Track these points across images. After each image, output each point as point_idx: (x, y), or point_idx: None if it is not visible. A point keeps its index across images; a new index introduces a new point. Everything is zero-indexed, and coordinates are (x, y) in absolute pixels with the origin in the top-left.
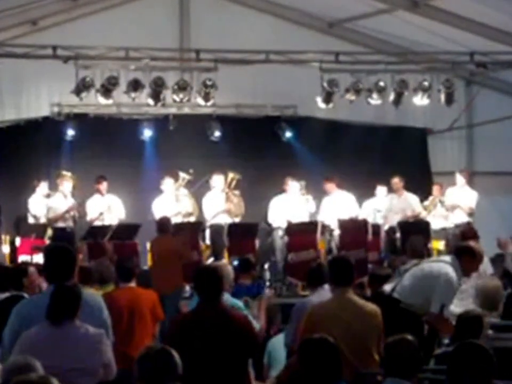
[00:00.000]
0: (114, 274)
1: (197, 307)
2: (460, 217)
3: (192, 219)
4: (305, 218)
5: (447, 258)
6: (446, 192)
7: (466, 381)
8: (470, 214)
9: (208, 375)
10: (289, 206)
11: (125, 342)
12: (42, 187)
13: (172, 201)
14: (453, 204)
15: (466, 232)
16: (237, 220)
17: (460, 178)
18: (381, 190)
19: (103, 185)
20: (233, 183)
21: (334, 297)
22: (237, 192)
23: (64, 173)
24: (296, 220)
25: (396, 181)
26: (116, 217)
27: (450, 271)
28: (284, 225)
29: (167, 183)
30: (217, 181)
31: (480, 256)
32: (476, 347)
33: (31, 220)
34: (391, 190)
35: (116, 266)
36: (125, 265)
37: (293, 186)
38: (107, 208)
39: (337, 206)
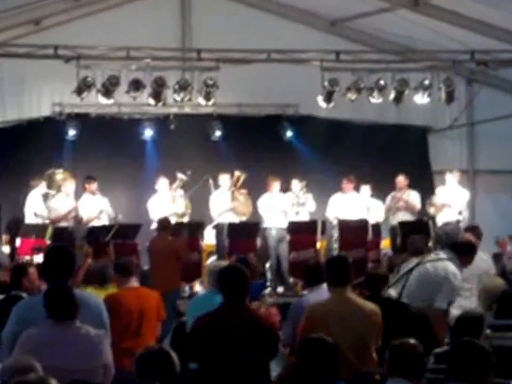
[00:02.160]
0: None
1: (221, 307)
2: (449, 216)
3: (184, 220)
4: (292, 216)
5: (443, 254)
6: (436, 191)
7: (465, 379)
8: (459, 213)
9: (231, 374)
10: (275, 205)
11: (133, 342)
12: (41, 186)
13: (167, 201)
14: (443, 203)
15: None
16: (244, 218)
17: (450, 178)
18: (364, 189)
19: (95, 185)
20: (240, 181)
21: (333, 297)
22: (243, 191)
23: (56, 171)
24: (284, 218)
25: (401, 179)
26: (107, 218)
27: (455, 269)
28: (275, 224)
29: (161, 183)
30: (224, 180)
31: (476, 248)
32: (474, 346)
33: (29, 219)
34: (377, 189)
35: (113, 266)
36: (121, 264)
37: (276, 185)
38: (102, 209)
39: (347, 206)
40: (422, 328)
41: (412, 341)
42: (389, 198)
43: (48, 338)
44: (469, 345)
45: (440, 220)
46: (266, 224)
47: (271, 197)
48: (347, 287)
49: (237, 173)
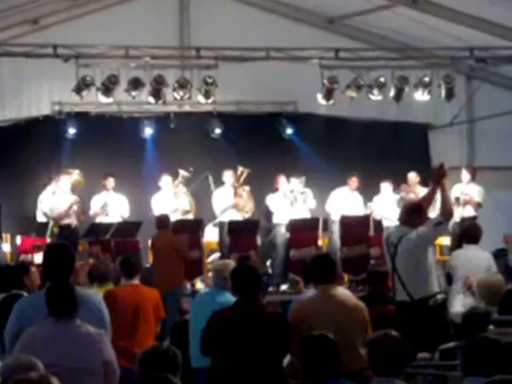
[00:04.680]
0: (113, 272)
1: (236, 304)
2: (467, 212)
3: (189, 216)
4: (301, 213)
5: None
6: (452, 188)
7: (482, 374)
8: (477, 209)
9: (245, 370)
10: (284, 202)
11: (128, 339)
12: (53, 185)
13: (170, 198)
14: (465, 199)
15: (470, 228)
16: (246, 216)
17: (465, 174)
18: (385, 186)
19: (109, 182)
20: (243, 177)
21: (317, 294)
22: (246, 187)
23: (70, 170)
24: (292, 216)
25: (413, 175)
26: (119, 215)
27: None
28: (285, 221)
29: (165, 180)
30: (228, 176)
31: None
32: (491, 341)
33: (40, 217)
34: (377, 186)
35: (120, 263)
36: (130, 262)
37: (284, 183)
38: (112, 207)
39: (350, 202)
40: (433, 321)
41: (389, 333)
42: (398, 198)
43: (47, 336)
44: (485, 340)
45: (457, 215)
46: (275, 220)
47: (280, 195)
48: (332, 284)
49: (240, 168)
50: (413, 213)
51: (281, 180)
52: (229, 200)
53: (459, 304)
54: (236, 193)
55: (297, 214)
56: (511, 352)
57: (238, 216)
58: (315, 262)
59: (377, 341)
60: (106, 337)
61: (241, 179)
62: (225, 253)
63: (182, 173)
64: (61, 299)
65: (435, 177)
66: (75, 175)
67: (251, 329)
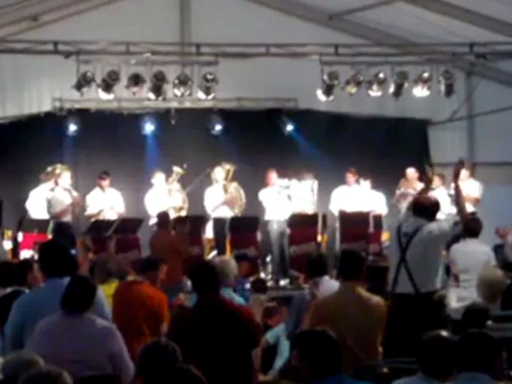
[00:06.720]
0: (117, 269)
1: (196, 303)
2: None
3: (182, 213)
4: (294, 209)
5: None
6: (451, 185)
7: (475, 369)
8: (476, 204)
9: (211, 369)
10: (277, 199)
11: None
12: (51, 182)
13: (163, 195)
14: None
15: (470, 222)
16: (237, 211)
17: (463, 170)
18: (364, 184)
19: (106, 182)
20: (229, 174)
21: (342, 291)
22: (234, 183)
23: (57, 165)
24: (286, 212)
25: (411, 171)
26: (115, 212)
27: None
28: (277, 217)
29: (158, 178)
30: (219, 173)
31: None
32: (481, 335)
33: (35, 213)
34: (377, 182)
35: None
36: (141, 260)
37: (275, 178)
38: (108, 206)
39: (351, 198)
40: (435, 316)
41: (442, 334)
42: (397, 193)
43: (52, 328)
44: (476, 335)
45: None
46: (267, 217)
47: (272, 190)
48: (357, 282)
49: (226, 166)
50: (434, 212)
51: (272, 175)
52: (220, 197)
53: (454, 298)
54: (225, 191)
55: (291, 210)
56: (509, 347)
57: (230, 213)
58: (344, 258)
59: (431, 342)
60: (115, 331)
61: (228, 177)
62: (223, 250)
63: (176, 169)
64: (82, 295)
65: (454, 173)
66: (58, 169)
67: (212, 326)
